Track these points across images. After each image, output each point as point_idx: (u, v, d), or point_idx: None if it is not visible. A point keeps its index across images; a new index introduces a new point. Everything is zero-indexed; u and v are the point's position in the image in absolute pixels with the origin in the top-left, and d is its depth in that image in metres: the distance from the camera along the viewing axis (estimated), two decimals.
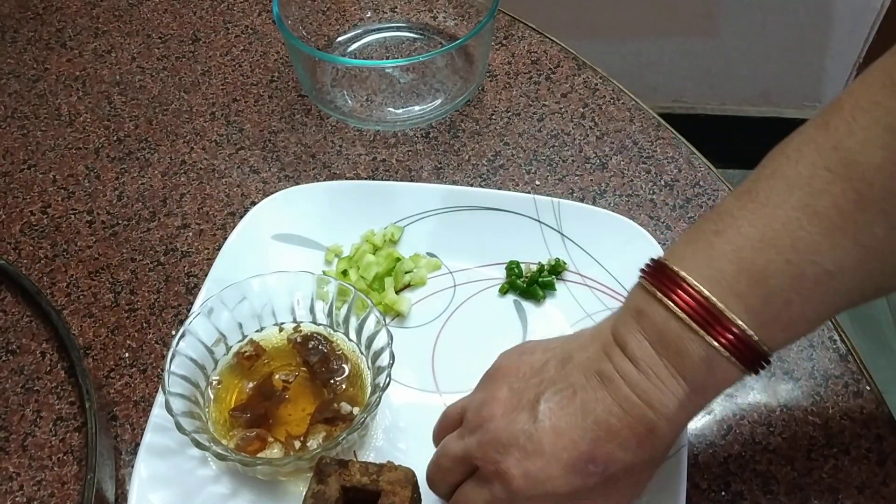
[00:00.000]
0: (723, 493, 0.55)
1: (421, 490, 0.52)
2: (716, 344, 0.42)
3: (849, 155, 0.41)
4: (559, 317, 0.64)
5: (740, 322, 0.42)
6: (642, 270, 0.46)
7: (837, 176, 0.41)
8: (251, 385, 0.58)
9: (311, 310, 0.61)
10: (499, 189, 0.72)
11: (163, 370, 0.55)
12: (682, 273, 0.43)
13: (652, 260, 0.46)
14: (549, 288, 0.64)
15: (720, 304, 0.42)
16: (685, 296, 0.43)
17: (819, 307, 0.43)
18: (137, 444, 0.56)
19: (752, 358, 0.43)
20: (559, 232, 0.66)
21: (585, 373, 0.45)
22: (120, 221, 0.72)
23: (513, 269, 0.65)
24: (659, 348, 0.43)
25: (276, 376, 0.58)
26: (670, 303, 0.43)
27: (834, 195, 0.41)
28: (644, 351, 0.44)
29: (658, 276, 0.44)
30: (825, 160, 0.41)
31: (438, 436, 0.53)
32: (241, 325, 0.60)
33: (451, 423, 0.52)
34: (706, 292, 0.42)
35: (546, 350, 0.49)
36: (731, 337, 0.42)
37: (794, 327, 0.44)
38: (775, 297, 0.42)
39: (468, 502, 0.48)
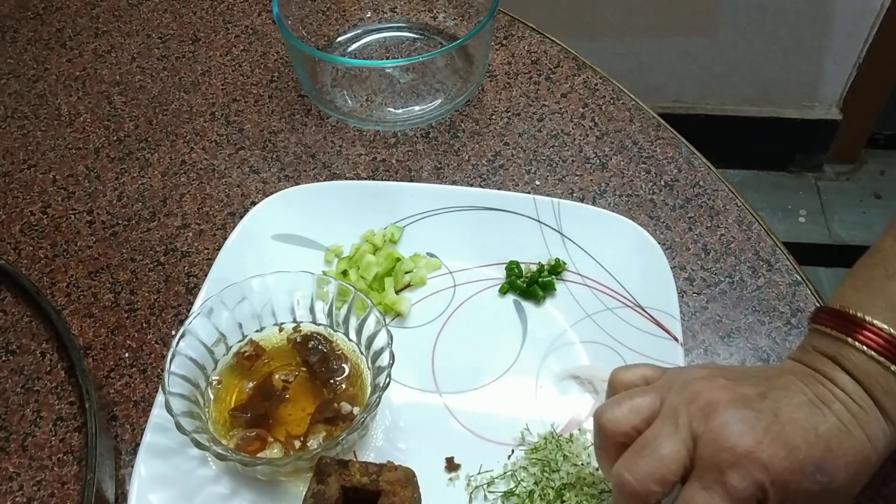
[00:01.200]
0: None
1: (421, 490, 0.52)
2: None
3: None
4: (559, 317, 0.64)
5: None
6: (816, 317, 0.49)
7: None
8: (251, 385, 0.58)
9: (311, 310, 0.61)
10: (499, 189, 0.72)
11: (163, 370, 0.55)
12: (863, 315, 0.46)
13: (821, 307, 0.49)
14: (549, 288, 0.64)
15: None
16: (874, 336, 0.46)
17: None
18: (137, 444, 0.56)
19: None
20: (559, 232, 0.66)
21: (806, 396, 0.46)
22: (120, 221, 0.72)
23: (513, 269, 0.65)
24: (868, 387, 0.46)
25: (276, 376, 0.58)
26: (861, 345, 0.46)
27: None
28: (854, 388, 0.46)
29: (839, 321, 0.47)
30: None
31: (656, 489, 0.45)
32: (240, 325, 0.60)
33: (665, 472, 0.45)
34: (892, 331, 0.46)
35: (737, 374, 0.48)
36: None
37: None
38: None
39: None
